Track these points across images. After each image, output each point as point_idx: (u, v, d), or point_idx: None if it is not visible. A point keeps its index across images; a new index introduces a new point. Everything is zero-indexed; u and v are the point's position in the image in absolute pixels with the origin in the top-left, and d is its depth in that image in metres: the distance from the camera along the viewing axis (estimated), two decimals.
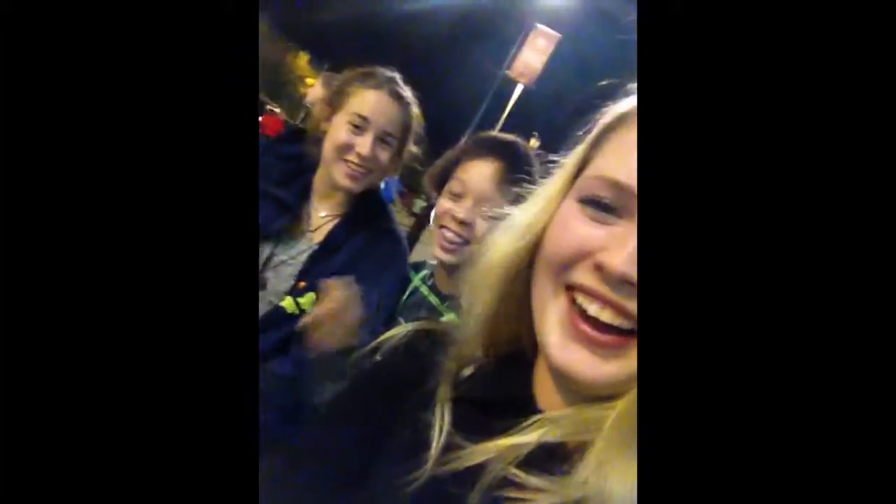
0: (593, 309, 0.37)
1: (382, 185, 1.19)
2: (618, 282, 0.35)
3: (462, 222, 0.91)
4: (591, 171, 0.40)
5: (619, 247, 0.35)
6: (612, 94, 0.42)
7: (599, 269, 0.36)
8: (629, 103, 0.41)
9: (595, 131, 0.43)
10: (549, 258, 0.40)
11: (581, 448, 0.37)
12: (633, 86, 0.41)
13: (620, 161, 0.38)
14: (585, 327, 0.37)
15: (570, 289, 0.39)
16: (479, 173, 0.92)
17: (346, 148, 1.03)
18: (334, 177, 1.05)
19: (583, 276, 0.38)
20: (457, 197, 0.94)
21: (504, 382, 0.47)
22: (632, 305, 0.35)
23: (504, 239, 0.45)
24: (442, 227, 0.94)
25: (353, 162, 1.03)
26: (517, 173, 0.78)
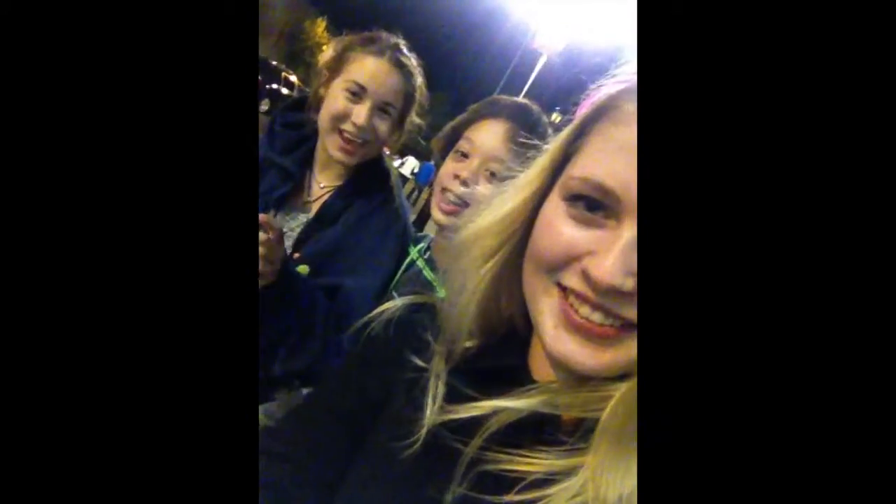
0: (584, 311, 0.37)
1: (415, 170, 1.14)
2: (605, 291, 0.35)
3: (464, 182, 0.88)
4: (575, 169, 0.39)
5: (605, 253, 0.35)
6: (601, 73, 0.41)
7: (586, 276, 0.36)
8: (610, 90, 0.39)
9: (576, 122, 0.42)
10: (538, 258, 0.40)
11: (576, 423, 0.38)
12: (621, 69, 0.40)
13: (605, 162, 0.37)
14: (579, 320, 0.37)
15: (561, 287, 0.39)
16: (489, 132, 0.88)
17: (341, 117, 0.97)
18: (330, 146, 1.00)
19: (572, 279, 0.38)
20: (463, 157, 0.91)
21: (498, 354, 0.47)
22: (623, 310, 0.35)
23: (484, 225, 0.45)
24: (444, 189, 0.91)
25: (348, 132, 0.98)
26: (528, 135, 0.75)
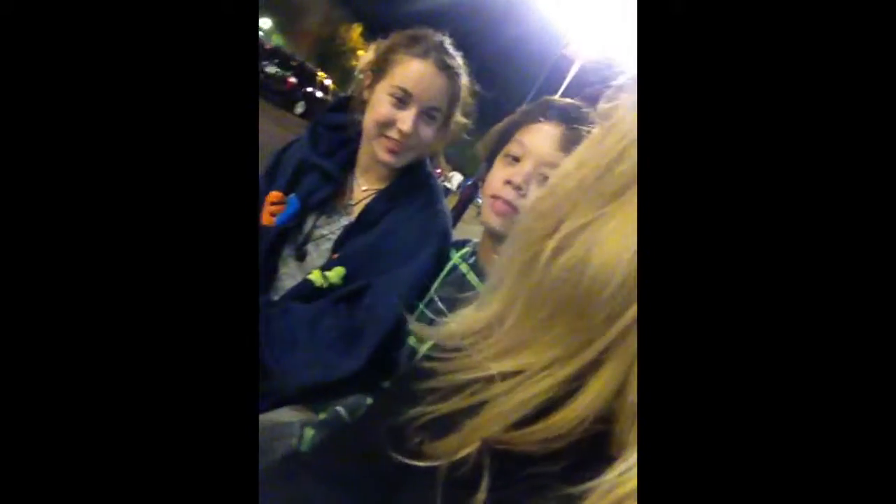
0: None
1: (460, 185, 1.14)
2: None
3: (518, 187, 0.84)
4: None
5: None
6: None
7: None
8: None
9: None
10: None
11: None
12: None
13: None
14: None
15: None
16: (544, 135, 0.85)
17: (387, 123, 0.96)
18: (375, 152, 0.99)
19: None
20: (514, 161, 0.87)
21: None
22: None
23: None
24: (494, 196, 0.88)
25: (394, 138, 0.96)
26: (581, 140, 0.72)
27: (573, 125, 0.83)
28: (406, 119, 0.95)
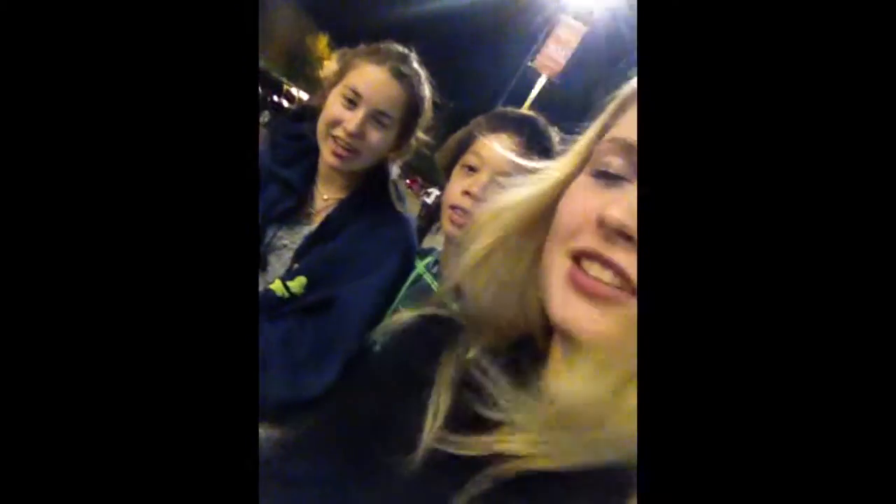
0: (594, 269, 0.36)
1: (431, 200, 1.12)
2: (616, 235, 0.35)
3: (475, 197, 0.86)
4: (606, 136, 0.40)
5: (620, 200, 0.35)
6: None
7: (601, 224, 0.35)
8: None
9: (614, 105, 0.41)
10: (557, 230, 0.40)
11: None
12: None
13: (634, 126, 0.37)
14: (586, 280, 0.36)
15: (576, 257, 0.38)
16: (498, 146, 0.86)
17: (334, 123, 0.95)
18: (323, 153, 0.98)
19: (587, 238, 0.37)
20: (471, 171, 0.89)
21: (510, 368, 0.44)
22: (632, 267, 0.34)
23: (502, 204, 0.45)
24: (453, 206, 0.89)
25: (339, 138, 0.95)
26: (536, 149, 0.73)
27: (528, 134, 0.84)
28: (352, 120, 0.94)
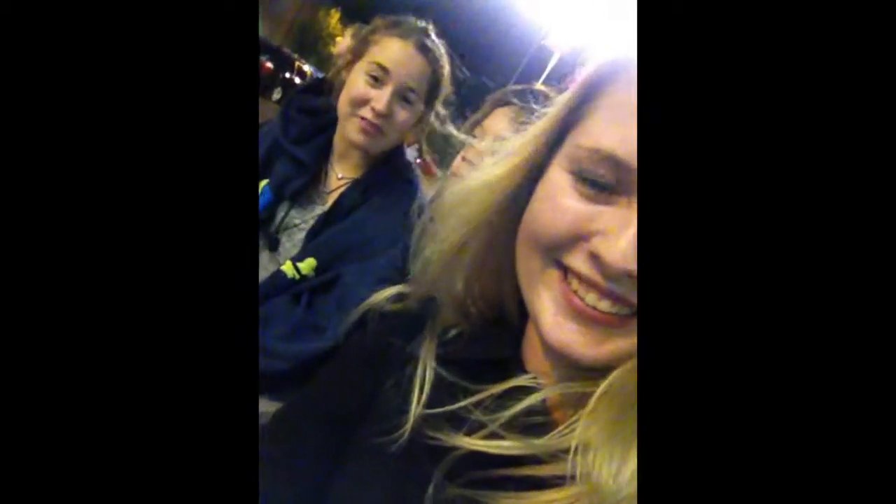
0: (591, 298, 0.34)
1: None
2: (616, 276, 0.32)
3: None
4: (582, 138, 0.35)
5: (617, 234, 0.31)
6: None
7: (595, 259, 0.32)
8: (617, 53, 0.35)
9: (579, 84, 0.37)
10: (537, 235, 0.37)
11: (567, 417, 0.36)
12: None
13: (616, 130, 0.33)
14: (583, 306, 0.34)
15: (563, 268, 0.35)
16: (501, 117, 0.89)
17: (361, 102, 0.92)
18: (347, 132, 0.95)
19: (577, 261, 0.34)
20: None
21: (489, 343, 0.45)
22: (634, 296, 0.32)
23: (467, 189, 0.42)
24: (454, 174, 0.94)
25: (367, 118, 0.92)
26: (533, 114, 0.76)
27: (527, 104, 0.84)
28: (381, 98, 0.91)
